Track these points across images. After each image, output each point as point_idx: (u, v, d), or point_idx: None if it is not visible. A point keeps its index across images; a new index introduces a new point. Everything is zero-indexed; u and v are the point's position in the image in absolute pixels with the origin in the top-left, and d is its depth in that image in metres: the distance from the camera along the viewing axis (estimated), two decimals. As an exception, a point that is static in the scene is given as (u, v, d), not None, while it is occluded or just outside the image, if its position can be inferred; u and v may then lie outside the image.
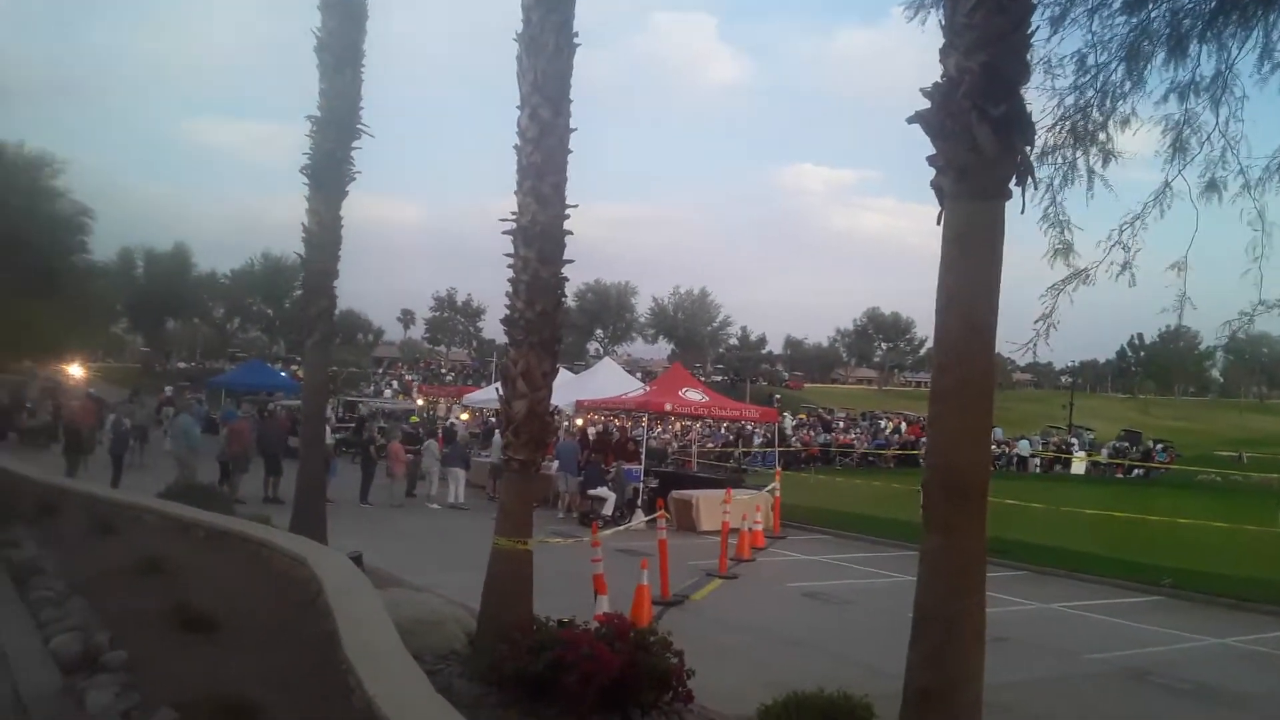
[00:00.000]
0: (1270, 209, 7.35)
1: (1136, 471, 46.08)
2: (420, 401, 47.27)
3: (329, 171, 14.69)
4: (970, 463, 5.49)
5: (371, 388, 67.13)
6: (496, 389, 9.43)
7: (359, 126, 14.91)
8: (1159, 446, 50.65)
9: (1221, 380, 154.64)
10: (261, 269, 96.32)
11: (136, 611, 8.39)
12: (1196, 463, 54.53)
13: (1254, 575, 17.00)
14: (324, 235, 14.82)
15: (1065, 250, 7.79)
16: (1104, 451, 50.19)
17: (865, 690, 6.98)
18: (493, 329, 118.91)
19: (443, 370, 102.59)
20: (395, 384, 74.19)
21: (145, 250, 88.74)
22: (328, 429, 19.95)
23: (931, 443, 5.71)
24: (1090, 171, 7.75)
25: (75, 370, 47.37)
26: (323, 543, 12.85)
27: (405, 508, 22.86)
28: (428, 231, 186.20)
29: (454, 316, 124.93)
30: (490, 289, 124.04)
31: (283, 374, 52.98)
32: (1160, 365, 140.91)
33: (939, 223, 5.59)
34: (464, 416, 34.45)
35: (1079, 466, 46.11)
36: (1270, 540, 22.60)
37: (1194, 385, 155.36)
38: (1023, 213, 5.93)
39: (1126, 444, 51.95)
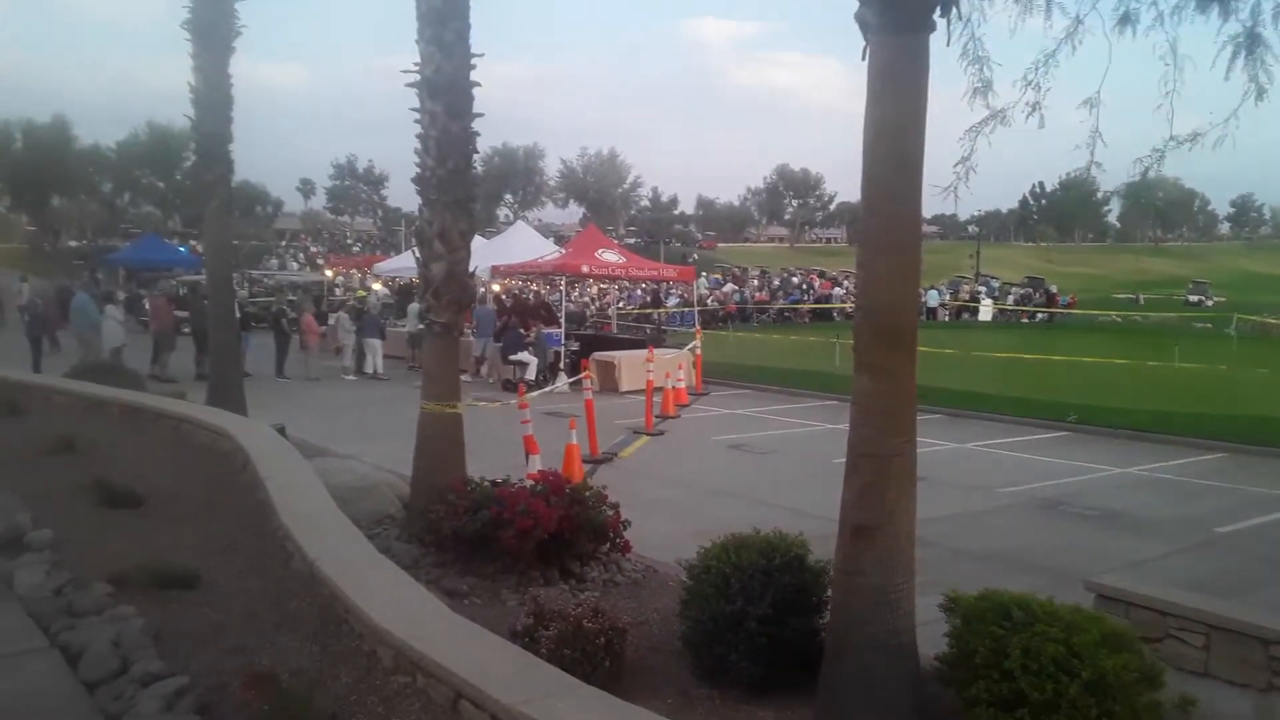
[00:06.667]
0: (1181, 41, 7.34)
1: (1040, 316, 47.81)
2: (329, 273, 46.07)
3: (213, 23, 13.85)
4: (900, 304, 5.48)
5: (276, 261, 64.99)
6: (414, 252, 9.15)
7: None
8: (1055, 291, 52.48)
9: (1118, 226, 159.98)
10: (148, 139, 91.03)
11: (56, 491, 8.18)
12: (1096, 306, 56.77)
13: (1154, 408, 17.92)
14: (212, 95, 14.04)
15: (985, 89, 7.71)
16: (1010, 298, 51.75)
17: (795, 531, 7.17)
18: (397, 196, 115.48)
19: (348, 240, 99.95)
20: (301, 256, 72.17)
21: (22, 123, 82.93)
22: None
23: (862, 285, 5.68)
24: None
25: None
26: (243, 416, 12.64)
27: (322, 381, 22.52)
28: (319, 98, 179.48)
29: (356, 185, 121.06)
30: (393, 154, 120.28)
31: (181, 249, 50.90)
32: (1061, 213, 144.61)
33: (864, 58, 5.47)
34: (376, 286, 33.81)
35: (986, 313, 47.59)
36: (1169, 375, 23.84)
37: (1093, 231, 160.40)
38: (948, 44, 5.81)
39: (1030, 290, 53.67)
